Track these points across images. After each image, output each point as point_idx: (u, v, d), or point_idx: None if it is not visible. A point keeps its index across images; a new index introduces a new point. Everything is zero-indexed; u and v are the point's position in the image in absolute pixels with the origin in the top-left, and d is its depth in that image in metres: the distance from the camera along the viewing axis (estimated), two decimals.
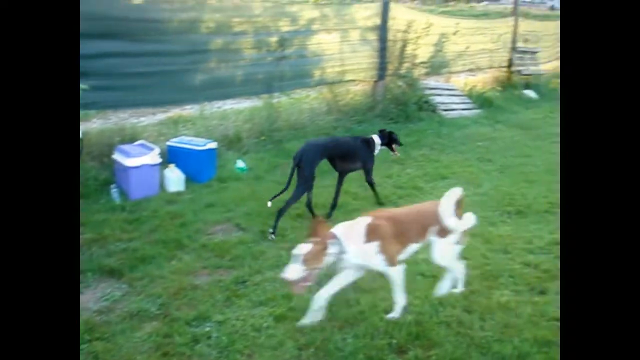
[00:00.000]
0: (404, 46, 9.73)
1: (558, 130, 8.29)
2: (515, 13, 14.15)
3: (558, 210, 5.76)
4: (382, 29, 9.13)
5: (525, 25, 15.00)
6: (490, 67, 13.66)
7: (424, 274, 4.17)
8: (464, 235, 3.75)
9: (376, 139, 5.73)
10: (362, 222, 3.46)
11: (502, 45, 13.66)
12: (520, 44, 14.12)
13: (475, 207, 5.68)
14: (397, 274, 3.51)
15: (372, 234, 3.41)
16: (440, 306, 3.74)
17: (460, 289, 3.93)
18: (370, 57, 9.16)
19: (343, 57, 8.83)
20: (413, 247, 3.65)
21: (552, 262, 4.55)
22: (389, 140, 5.83)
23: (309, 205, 5.35)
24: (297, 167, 5.08)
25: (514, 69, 13.69)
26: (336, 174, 5.59)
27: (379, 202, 5.69)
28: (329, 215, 5.34)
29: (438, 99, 10.49)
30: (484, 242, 4.88)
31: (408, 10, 11.13)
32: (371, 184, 5.70)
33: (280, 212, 4.97)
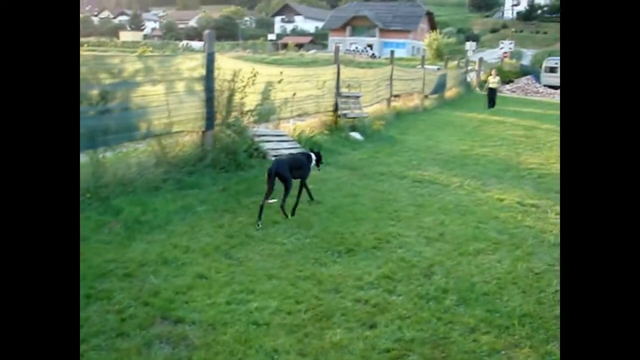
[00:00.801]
0: (231, 95, 9.80)
1: (383, 169, 8.76)
2: (337, 61, 14.91)
3: (385, 245, 6.08)
4: (208, 79, 9.15)
5: (348, 72, 15.88)
6: (317, 112, 14.20)
7: (257, 322, 4.16)
8: None
9: (313, 155, 7.91)
10: None
11: (327, 91, 14.30)
12: (344, 90, 14.88)
13: (306, 250, 5.86)
14: None
15: None
16: (274, 353, 3.76)
17: None
18: (197, 107, 9.09)
19: (170, 109, 8.68)
20: None
21: (381, 296, 4.78)
22: (317, 158, 7.97)
23: (281, 206, 7.00)
24: (276, 177, 6.83)
25: (339, 112, 14.36)
26: None
27: (312, 199, 7.75)
28: (292, 214, 7.09)
29: (268, 145, 10.68)
30: (315, 283, 4.99)
31: (233, 61, 11.28)
32: (306, 186, 7.61)
33: (281, 207, 6.96)
